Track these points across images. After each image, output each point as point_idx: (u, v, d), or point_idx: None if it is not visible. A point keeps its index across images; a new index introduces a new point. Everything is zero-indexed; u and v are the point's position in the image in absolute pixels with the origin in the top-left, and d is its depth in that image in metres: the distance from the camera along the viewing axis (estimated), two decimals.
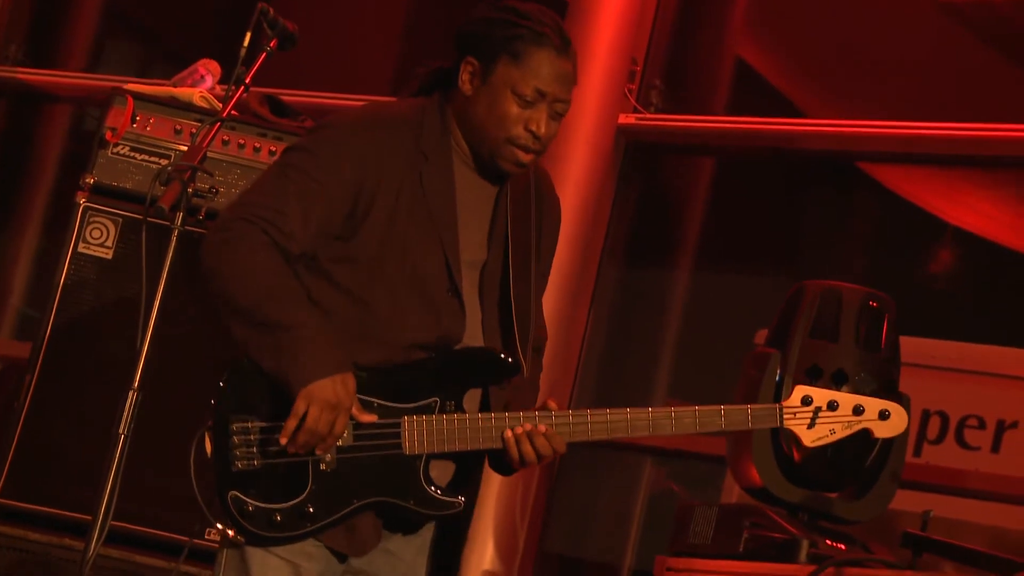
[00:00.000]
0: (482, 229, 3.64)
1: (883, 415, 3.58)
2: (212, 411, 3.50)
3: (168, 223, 3.60)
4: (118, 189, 5.07)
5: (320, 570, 3.52)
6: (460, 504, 3.54)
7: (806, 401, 3.57)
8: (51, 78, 8.03)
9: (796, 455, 4.76)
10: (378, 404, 3.50)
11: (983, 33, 7.60)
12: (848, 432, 3.59)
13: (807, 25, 7.84)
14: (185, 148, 4.93)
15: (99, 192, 5.06)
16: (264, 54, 3.76)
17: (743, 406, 3.58)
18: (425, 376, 3.52)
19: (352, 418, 3.46)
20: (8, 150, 8.47)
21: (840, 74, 7.90)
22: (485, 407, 3.56)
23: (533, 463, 3.53)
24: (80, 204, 5.04)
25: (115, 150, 5.08)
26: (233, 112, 3.74)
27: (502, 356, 3.54)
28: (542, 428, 3.50)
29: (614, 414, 3.54)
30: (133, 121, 5.09)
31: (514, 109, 3.54)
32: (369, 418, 3.48)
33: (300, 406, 3.40)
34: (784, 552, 4.64)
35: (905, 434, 3.76)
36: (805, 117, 7.42)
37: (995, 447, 6.67)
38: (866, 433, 3.59)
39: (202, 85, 5.33)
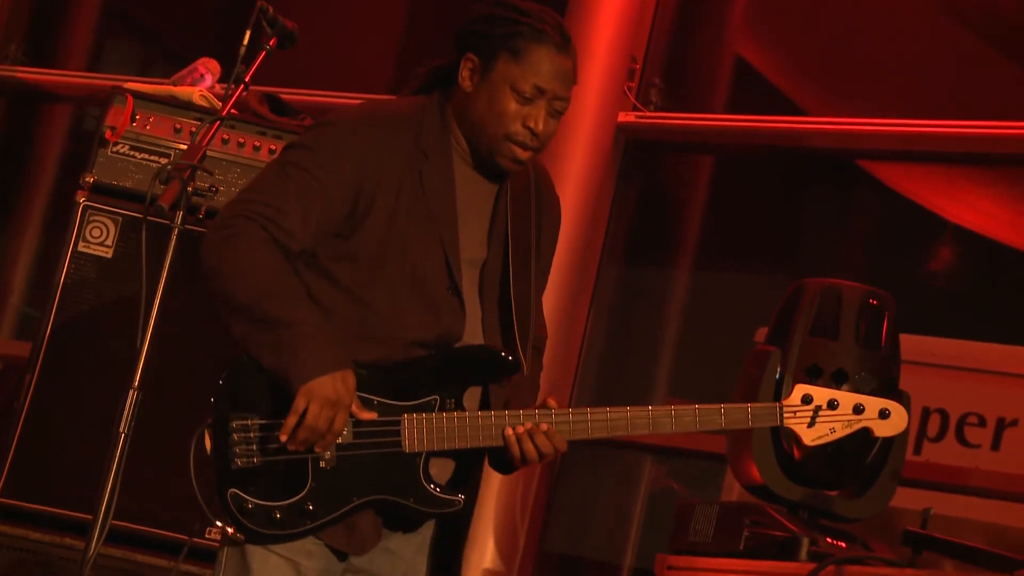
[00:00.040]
0: (482, 227, 3.63)
1: (883, 414, 3.58)
2: (212, 409, 3.49)
3: (168, 222, 3.60)
4: (118, 188, 5.07)
5: (320, 568, 3.51)
6: (460, 502, 3.53)
7: (806, 400, 3.57)
8: (51, 77, 8.02)
9: (796, 453, 4.76)
10: (378, 402, 3.49)
11: (983, 31, 7.59)
12: (848, 431, 3.59)
13: (807, 23, 7.83)
14: (185, 147, 4.92)
15: (99, 191, 5.06)
16: (264, 53, 3.76)
17: (743, 405, 3.58)
18: (425, 374, 3.52)
19: (352, 415, 3.45)
20: (8, 149, 8.46)
21: (840, 72, 7.89)
22: (485, 405, 3.56)
23: (534, 461, 3.53)
24: (80, 203, 5.03)
25: (115, 149, 5.08)
26: (233, 111, 3.74)
27: (502, 354, 3.54)
28: (543, 426, 3.50)
29: (614, 412, 3.53)
30: (133, 120, 5.09)
31: (513, 106, 3.54)
32: (369, 415, 3.48)
33: (300, 403, 3.40)
34: (784, 550, 4.64)
35: (905, 432, 3.75)
36: (805, 115, 7.42)
37: (995, 445, 6.67)
38: (866, 432, 3.59)
39: (202, 84, 5.33)
